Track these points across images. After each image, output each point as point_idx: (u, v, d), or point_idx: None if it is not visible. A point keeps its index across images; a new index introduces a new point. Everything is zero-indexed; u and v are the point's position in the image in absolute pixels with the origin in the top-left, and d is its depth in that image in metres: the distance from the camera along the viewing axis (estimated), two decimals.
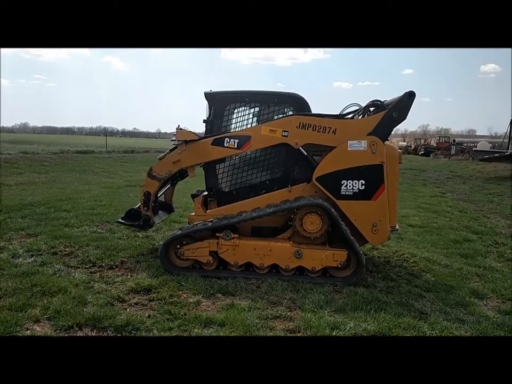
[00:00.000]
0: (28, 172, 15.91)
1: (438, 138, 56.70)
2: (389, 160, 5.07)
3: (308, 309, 4.26)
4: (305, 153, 5.22)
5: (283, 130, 5.20)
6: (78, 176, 16.29)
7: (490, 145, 40.17)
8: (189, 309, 4.23)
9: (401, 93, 5.06)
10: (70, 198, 10.32)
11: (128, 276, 5.08)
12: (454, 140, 49.10)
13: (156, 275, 5.03)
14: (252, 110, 5.55)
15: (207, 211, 5.52)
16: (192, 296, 4.55)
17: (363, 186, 5.01)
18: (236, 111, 5.56)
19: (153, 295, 4.53)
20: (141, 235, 6.96)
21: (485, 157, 24.87)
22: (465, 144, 45.62)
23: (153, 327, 3.81)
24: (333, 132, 5.13)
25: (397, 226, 5.59)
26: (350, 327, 3.88)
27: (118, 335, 3.72)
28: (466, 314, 4.36)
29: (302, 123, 5.16)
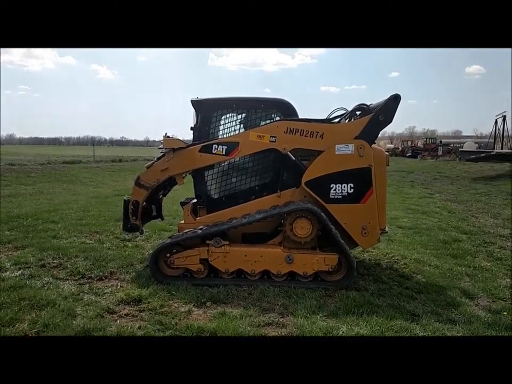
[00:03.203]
0: (15, 184, 15.72)
1: (424, 139, 57.25)
2: (377, 163, 5.10)
3: (300, 314, 4.24)
4: (294, 158, 5.23)
5: (271, 136, 5.21)
6: (65, 186, 16.14)
7: (477, 145, 40.77)
8: (180, 318, 4.19)
9: (387, 96, 5.09)
10: (57, 209, 10.20)
11: (118, 287, 5.02)
12: (440, 141, 49.70)
13: (146, 285, 4.97)
14: (239, 116, 5.55)
15: (197, 218, 5.49)
16: (183, 305, 4.50)
17: (352, 190, 5.03)
18: (223, 117, 5.56)
19: (144, 306, 4.48)
20: (130, 245, 6.90)
21: (472, 157, 25.19)
22: (452, 145, 46.22)
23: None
24: (320, 136, 5.15)
25: (387, 229, 5.61)
26: (343, 332, 3.87)
27: (110, 336, 3.67)
28: (458, 314, 4.37)
29: (290, 128, 5.17)
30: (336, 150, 5.06)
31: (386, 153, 5.53)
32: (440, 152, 42.95)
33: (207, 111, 5.51)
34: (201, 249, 5.16)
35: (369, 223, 5.07)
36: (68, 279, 5.28)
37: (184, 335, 3.84)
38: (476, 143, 44.21)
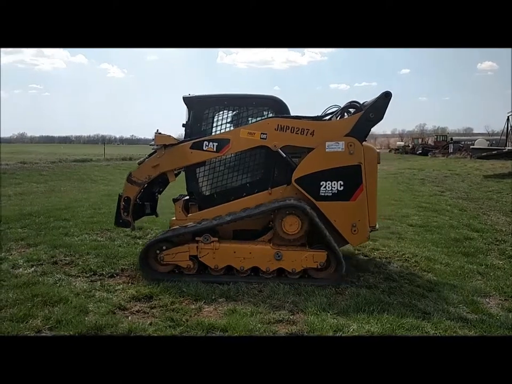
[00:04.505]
0: (27, 182, 15.88)
1: (435, 137, 56.80)
2: (367, 160, 5.11)
3: (311, 312, 4.24)
4: (284, 155, 5.24)
5: (261, 133, 5.21)
6: (76, 184, 16.27)
7: (488, 142, 40.25)
8: (190, 315, 4.22)
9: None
10: (69, 207, 10.30)
11: (129, 284, 5.06)
12: (451, 139, 49.17)
13: (157, 282, 5.01)
14: (231, 113, 5.58)
15: (188, 215, 5.52)
16: (194, 302, 4.53)
17: (342, 187, 5.04)
18: (215, 114, 5.58)
19: (155, 302, 4.52)
20: (141, 242, 6.95)
21: (483, 154, 24.94)
22: (463, 142, 45.69)
23: (155, 335, 3.79)
24: (311, 134, 5.16)
25: (377, 226, 5.59)
26: (353, 329, 3.87)
27: (118, 335, 3.74)
28: (470, 313, 4.34)
29: (280, 125, 5.18)
30: (326, 147, 5.06)
31: (378, 151, 5.52)
32: (451, 150, 42.56)
33: (199, 108, 5.53)
34: (190, 246, 5.19)
35: (359, 220, 5.08)
36: (79, 276, 5.34)
37: (194, 332, 3.86)
38: (487, 140, 43.65)
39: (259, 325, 3.97)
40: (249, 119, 5.51)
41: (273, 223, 5.18)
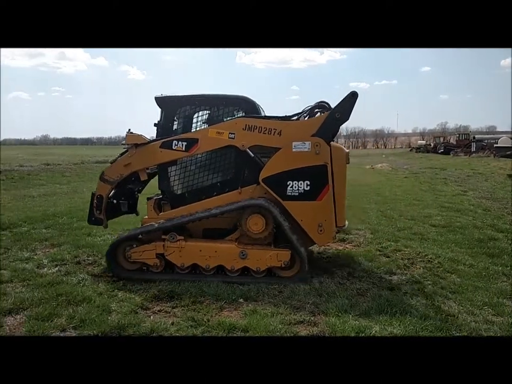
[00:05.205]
0: (50, 183, 16.23)
1: (457, 135, 55.81)
2: (335, 160, 5.14)
3: (332, 313, 4.21)
4: (252, 155, 5.26)
5: (229, 133, 5.25)
6: None
7: None
8: (212, 315, 4.24)
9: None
10: None
11: (151, 283, 5.10)
12: (474, 137, 48.23)
13: (178, 281, 5.05)
14: (202, 113, 5.63)
15: (160, 213, 5.57)
16: (215, 302, 4.55)
17: (308, 187, 5.05)
18: (186, 114, 5.63)
19: (176, 302, 4.56)
20: None
21: (507, 153, 24.41)
22: (486, 141, 44.76)
23: (177, 334, 3.82)
24: (278, 134, 5.18)
25: (346, 225, 5.65)
26: (376, 331, 3.83)
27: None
28: (495, 315, 4.25)
29: (248, 125, 5.21)
30: (293, 147, 5.08)
31: (347, 151, 5.50)
32: (473, 149, 41.77)
33: (170, 108, 5.60)
34: (157, 244, 5.25)
35: (325, 220, 5.09)
36: (102, 276, 5.41)
37: (216, 332, 3.87)
38: (511, 138, 42.76)
39: (280, 325, 3.96)
40: (221, 118, 5.56)
41: (239, 222, 5.23)
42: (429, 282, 5.21)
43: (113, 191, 5.74)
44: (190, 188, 5.54)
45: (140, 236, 5.42)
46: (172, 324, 4.03)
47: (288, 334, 3.83)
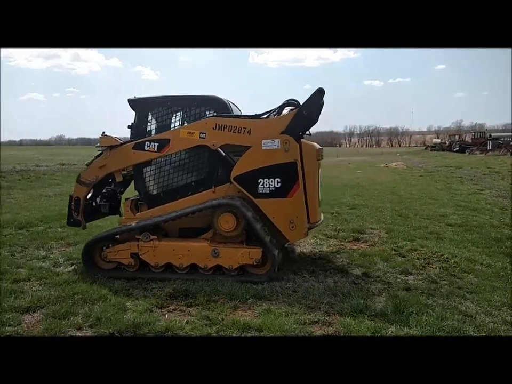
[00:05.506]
0: (65, 183, 16.37)
1: (473, 133, 55.05)
2: (306, 157, 5.16)
3: (347, 313, 4.18)
4: (224, 154, 5.29)
5: (200, 132, 5.30)
6: None
7: None
8: (226, 314, 4.24)
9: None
10: None
11: (165, 282, 5.12)
12: (490, 135, 47.52)
13: (192, 280, 5.06)
14: (174, 114, 5.68)
15: (137, 214, 5.62)
16: (229, 301, 4.55)
17: (279, 184, 5.09)
18: (159, 115, 5.70)
19: (191, 301, 4.56)
20: None
21: None
22: (502, 139, 44.10)
23: (192, 333, 3.84)
24: (248, 132, 5.21)
25: (321, 219, 5.76)
26: (392, 332, 3.79)
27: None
28: None
29: (218, 124, 5.26)
30: (262, 145, 5.11)
31: (318, 148, 5.47)
32: (489, 147, 41.22)
33: (143, 110, 5.69)
34: (131, 244, 5.32)
35: (297, 217, 5.12)
36: None
37: (230, 330, 3.87)
38: None
39: (294, 325, 3.94)
40: (192, 119, 5.61)
41: (211, 220, 5.27)
42: (445, 282, 5.14)
43: (91, 193, 5.85)
44: (165, 188, 5.61)
45: (106, 237, 5.52)
46: (187, 322, 4.05)
47: (303, 334, 3.81)
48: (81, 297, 4.57)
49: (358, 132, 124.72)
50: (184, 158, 5.54)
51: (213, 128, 5.27)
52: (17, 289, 4.83)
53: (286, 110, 5.41)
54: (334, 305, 4.42)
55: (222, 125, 5.25)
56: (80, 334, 3.85)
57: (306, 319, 4.11)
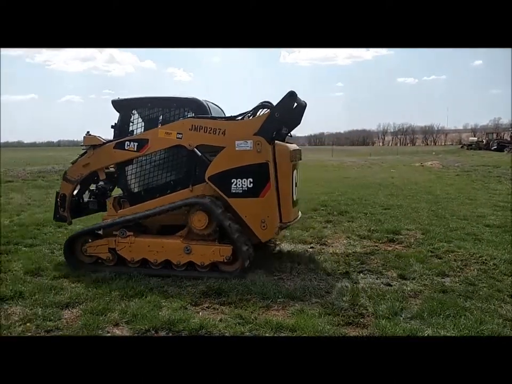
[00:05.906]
0: None
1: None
2: (279, 158, 5.28)
3: (382, 315, 4.11)
4: (200, 154, 5.42)
5: (177, 133, 5.45)
6: None
7: None
8: (259, 313, 4.25)
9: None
10: None
11: (199, 280, 5.19)
12: None
13: (225, 278, 5.10)
14: (155, 115, 5.86)
15: (119, 211, 5.81)
16: (261, 300, 4.56)
17: (251, 184, 5.22)
18: (140, 116, 5.88)
19: (224, 299, 4.61)
20: None
21: None
22: None
23: (226, 331, 3.87)
24: (222, 133, 5.33)
25: (298, 217, 5.96)
26: (428, 334, 3.71)
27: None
28: None
29: (194, 125, 5.40)
30: (236, 146, 5.24)
31: (294, 149, 5.61)
32: None
33: (125, 110, 5.89)
34: (109, 239, 5.57)
35: (268, 217, 5.24)
36: None
37: (263, 330, 3.88)
38: None
39: (328, 326, 3.91)
40: (172, 119, 5.73)
41: (186, 219, 5.42)
42: (484, 285, 4.98)
43: (77, 190, 6.12)
44: (146, 186, 5.80)
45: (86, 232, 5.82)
46: (220, 320, 4.09)
47: (337, 335, 3.78)
48: (118, 294, 4.69)
49: (392, 130, 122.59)
50: (163, 157, 5.75)
51: (189, 129, 5.42)
52: (57, 285, 5.00)
53: (260, 112, 5.52)
54: (369, 307, 4.37)
55: (198, 126, 5.40)
56: (117, 330, 3.95)
57: (340, 320, 4.08)
